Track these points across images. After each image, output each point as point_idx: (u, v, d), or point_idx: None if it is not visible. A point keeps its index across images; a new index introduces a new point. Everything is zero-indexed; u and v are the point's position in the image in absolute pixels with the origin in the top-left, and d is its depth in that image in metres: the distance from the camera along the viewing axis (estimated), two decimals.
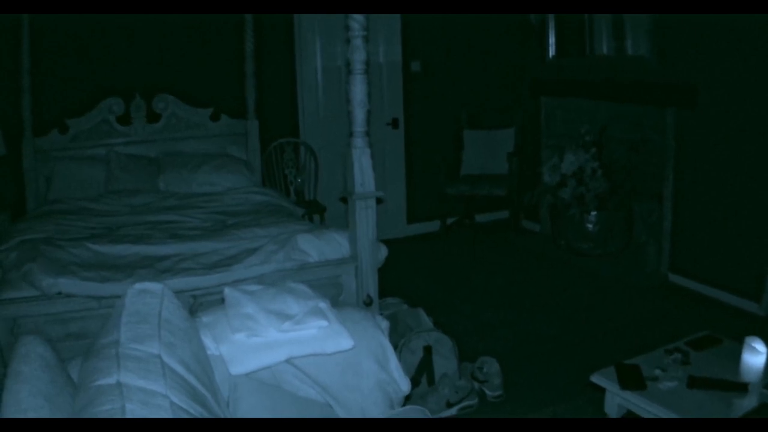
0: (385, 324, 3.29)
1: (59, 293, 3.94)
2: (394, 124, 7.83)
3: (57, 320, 3.95)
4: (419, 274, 6.73)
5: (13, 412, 1.95)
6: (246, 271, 4.15)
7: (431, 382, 4.33)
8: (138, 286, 2.67)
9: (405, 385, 3.17)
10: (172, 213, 5.58)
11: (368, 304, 4.31)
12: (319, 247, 4.39)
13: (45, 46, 6.40)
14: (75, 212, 5.63)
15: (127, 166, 6.38)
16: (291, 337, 2.90)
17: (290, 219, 5.32)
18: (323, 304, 3.07)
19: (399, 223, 8.02)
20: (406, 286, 5.72)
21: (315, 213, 6.98)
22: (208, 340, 2.81)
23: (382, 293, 4.58)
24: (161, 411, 1.96)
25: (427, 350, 4.36)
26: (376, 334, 3.14)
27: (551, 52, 7.56)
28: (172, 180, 6.32)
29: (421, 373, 4.30)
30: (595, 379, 3.61)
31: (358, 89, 4.08)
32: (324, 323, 2.95)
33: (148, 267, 4.25)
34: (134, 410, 1.91)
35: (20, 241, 4.80)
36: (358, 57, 4.04)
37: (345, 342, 2.95)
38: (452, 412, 4.18)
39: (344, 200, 4.36)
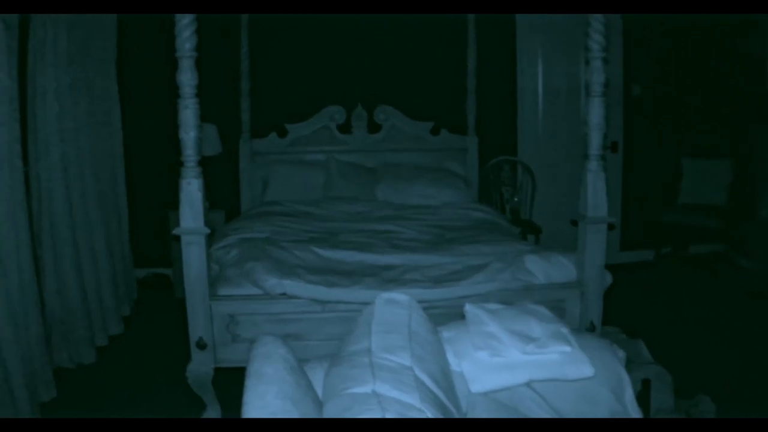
0: (621, 354, 3.20)
1: (283, 294, 4.03)
2: (614, 147, 7.62)
3: (275, 320, 4.06)
4: (633, 303, 6.52)
5: (259, 414, 1.97)
6: (472, 288, 4.10)
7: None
8: (385, 295, 2.70)
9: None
10: (388, 223, 5.62)
11: (591, 331, 4.21)
12: (545, 269, 4.30)
13: (267, 52, 6.67)
14: (292, 215, 5.79)
15: (347, 173, 6.54)
16: (533, 359, 2.85)
17: (511, 238, 5.25)
18: (565, 329, 3.01)
19: (612, 250, 7.74)
20: (620, 314, 5.56)
21: (530, 233, 6.88)
22: (449, 355, 2.80)
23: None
24: None
25: (645, 384, 4.22)
26: (613, 363, 3.05)
27: None
28: (389, 190, 6.40)
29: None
30: None
31: (596, 112, 3.99)
32: (567, 348, 2.88)
33: (373, 276, 4.27)
34: None
35: (241, 239, 4.95)
36: (597, 79, 3.96)
37: (586, 369, 2.87)
38: None
39: (574, 223, 4.27)
